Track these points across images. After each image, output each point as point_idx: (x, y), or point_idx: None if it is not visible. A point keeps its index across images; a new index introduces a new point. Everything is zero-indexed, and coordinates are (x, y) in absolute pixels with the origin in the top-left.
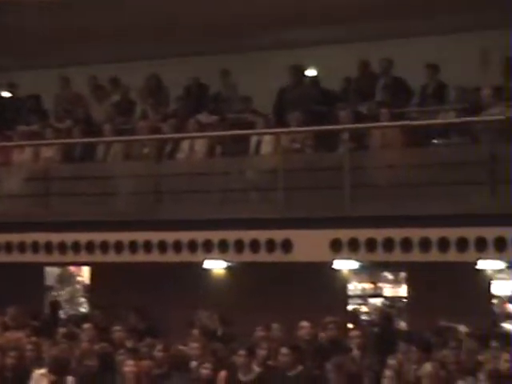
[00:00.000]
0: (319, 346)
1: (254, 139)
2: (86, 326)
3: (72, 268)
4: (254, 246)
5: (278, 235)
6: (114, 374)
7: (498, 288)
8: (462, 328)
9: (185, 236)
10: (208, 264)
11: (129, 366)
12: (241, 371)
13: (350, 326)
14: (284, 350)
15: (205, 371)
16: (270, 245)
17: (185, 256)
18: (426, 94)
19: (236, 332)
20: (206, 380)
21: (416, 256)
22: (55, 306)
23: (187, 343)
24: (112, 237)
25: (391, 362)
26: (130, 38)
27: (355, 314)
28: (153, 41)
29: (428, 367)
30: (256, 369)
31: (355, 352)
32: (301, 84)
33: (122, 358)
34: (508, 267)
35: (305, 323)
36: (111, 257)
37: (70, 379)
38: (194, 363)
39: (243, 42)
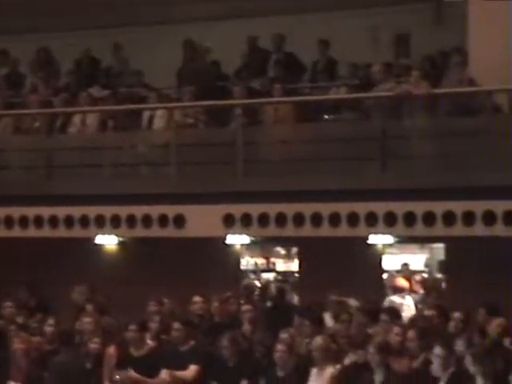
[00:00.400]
0: (212, 321)
1: (146, 114)
2: None
3: None
4: (147, 221)
5: (171, 210)
6: (6, 350)
7: (389, 262)
8: (353, 302)
9: (76, 211)
10: (100, 239)
11: (18, 343)
12: (132, 346)
13: (243, 301)
14: (176, 325)
15: (93, 346)
16: (163, 220)
17: (76, 231)
18: (317, 70)
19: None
20: (94, 355)
21: (308, 231)
22: None
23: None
24: (2, 212)
25: (283, 335)
26: (19, 10)
27: (248, 289)
28: (42, 13)
29: (319, 340)
30: (149, 343)
31: (246, 327)
32: (194, 59)
33: (13, 334)
34: (398, 242)
35: (197, 298)
36: (1, 232)
37: None
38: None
39: (135, 15)
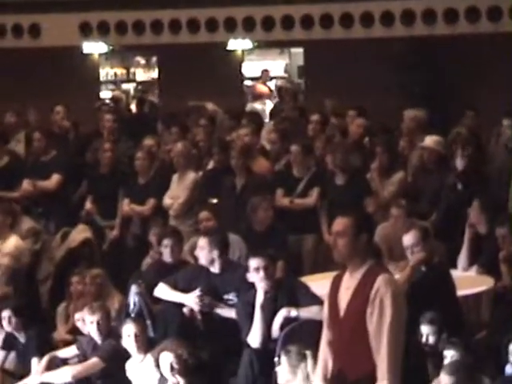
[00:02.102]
0: (76, 133)
1: None
2: None
3: None
4: (1, 31)
5: (25, 20)
6: None
7: (248, 69)
8: (211, 106)
9: None
10: None
11: None
12: None
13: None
14: (37, 135)
15: None
16: (17, 30)
17: None
18: None
19: None
20: None
21: (166, 38)
22: None
23: None
24: None
25: (145, 142)
26: None
27: (115, 100)
28: None
29: (179, 146)
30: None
31: (108, 137)
32: None
33: None
34: (257, 47)
35: (59, 107)
36: None
37: None
38: None
39: None
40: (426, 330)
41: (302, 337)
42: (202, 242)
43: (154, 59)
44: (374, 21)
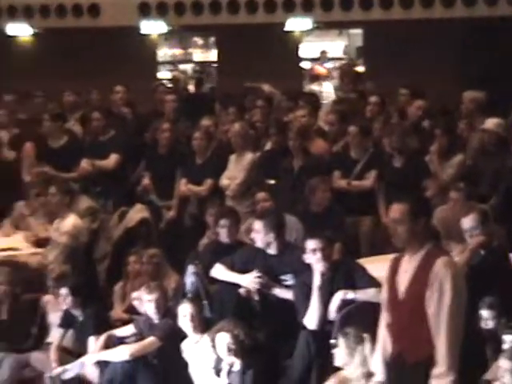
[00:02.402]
0: (134, 113)
1: None
2: None
3: None
4: (61, 11)
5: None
6: None
7: (306, 51)
8: (267, 88)
9: None
10: (12, 30)
11: None
12: (50, 139)
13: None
14: (95, 115)
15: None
16: (77, 10)
17: None
18: None
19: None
20: (9, 142)
21: (224, 18)
22: None
23: None
24: None
25: (205, 122)
26: None
27: (174, 80)
28: None
29: (237, 126)
30: (64, 137)
31: (169, 117)
32: None
33: None
34: (315, 28)
35: (120, 87)
36: None
37: None
38: None
39: None
40: (485, 314)
41: (359, 319)
42: (258, 225)
43: (212, 40)
44: (434, 1)
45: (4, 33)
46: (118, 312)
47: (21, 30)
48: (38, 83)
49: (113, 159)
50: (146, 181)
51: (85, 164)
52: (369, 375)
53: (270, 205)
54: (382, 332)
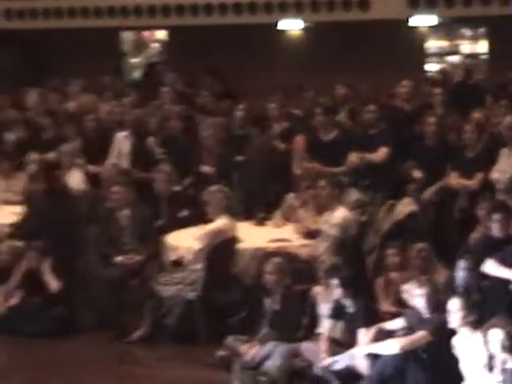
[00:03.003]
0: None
1: None
2: (165, 89)
3: (146, 34)
4: (331, 5)
5: None
6: (195, 136)
7: None
8: None
9: None
10: (283, 25)
11: (206, 127)
12: (321, 132)
13: (435, 82)
14: (371, 107)
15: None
16: (347, 4)
17: (260, 17)
18: None
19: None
20: (280, 135)
21: (496, 9)
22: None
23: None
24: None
25: (474, 115)
26: None
27: (443, 73)
28: None
29: (509, 119)
30: (334, 131)
31: (438, 109)
32: None
33: (202, 118)
34: None
35: (406, 82)
36: (187, 20)
37: (151, 140)
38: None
39: None
40: None
41: None
42: None
43: (481, 31)
44: None
45: (275, 28)
46: (386, 305)
47: (292, 25)
48: (310, 77)
49: (382, 152)
50: (417, 173)
51: (353, 157)
52: None
53: None
54: None
